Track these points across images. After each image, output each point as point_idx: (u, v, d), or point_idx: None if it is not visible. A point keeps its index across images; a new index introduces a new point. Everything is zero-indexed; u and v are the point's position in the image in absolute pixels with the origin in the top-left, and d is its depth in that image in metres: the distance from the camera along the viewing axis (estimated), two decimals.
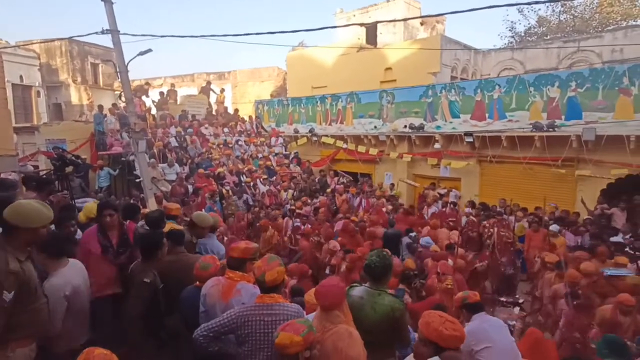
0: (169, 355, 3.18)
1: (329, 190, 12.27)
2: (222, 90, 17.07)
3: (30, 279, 2.18)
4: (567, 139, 9.24)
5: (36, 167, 10.90)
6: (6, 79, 8.04)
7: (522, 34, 24.05)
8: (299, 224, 8.85)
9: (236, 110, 16.45)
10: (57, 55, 19.55)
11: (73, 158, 5.60)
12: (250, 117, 16.55)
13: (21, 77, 17.37)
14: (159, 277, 3.14)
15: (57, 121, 15.51)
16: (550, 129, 9.49)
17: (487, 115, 10.79)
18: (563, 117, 9.45)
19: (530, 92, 9.92)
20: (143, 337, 2.89)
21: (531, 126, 9.80)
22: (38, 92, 18.51)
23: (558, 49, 14.47)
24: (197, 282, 2.94)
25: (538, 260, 6.37)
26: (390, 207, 10.12)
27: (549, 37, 20.80)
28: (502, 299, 6.97)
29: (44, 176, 5.18)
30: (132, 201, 8.71)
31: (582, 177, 9.30)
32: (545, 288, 5.45)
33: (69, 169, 5.74)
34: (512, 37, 24.51)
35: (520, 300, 6.84)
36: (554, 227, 7.18)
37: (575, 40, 14.55)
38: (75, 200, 5.43)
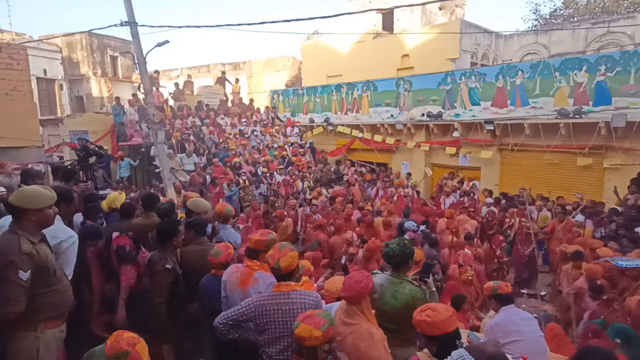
0: (190, 340, 3.25)
1: (345, 180, 12.23)
2: (237, 81, 17.09)
3: (47, 261, 2.26)
4: (594, 126, 8.88)
5: (61, 157, 11.23)
6: (31, 73, 8.25)
7: (547, 17, 23.13)
8: (310, 213, 8.88)
9: (251, 101, 16.46)
10: (78, 49, 19.96)
11: (96, 149, 5.73)
12: (266, 107, 16.55)
13: (45, 70, 17.81)
14: (182, 265, 3.21)
15: (79, 113, 15.89)
16: (577, 116, 9.14)
17: (509, 102, 10.46)
18: (591, 103, 9.08)
19: (556, 77, 9.55)
20: (167, 323, 2.95)
21: (556, 113, 9.47)
22: (61, 85, 18.97)
23: (586, 30, 13.85)
24: (213, 270, 3.00)
25: (558, 252, 6.21)
26: (410, 192, 10.07)
27: (576, 19, 19.93)
28: (523, 290, 6.86)
29: (69, 167, 5.31)
30: (152, 191, 8.87)
31: (611, 166, 8.95)
32: (563, 280, 5.31)
33: (93, 159, 5.89)
34: (537, 19, 23.62)
35: (542, 293, 6.72)
36: (579, 218, 6.97)
37: (605, 21, 13.90)
38: (99, 190, 5.58)
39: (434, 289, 2.77)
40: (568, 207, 7.94)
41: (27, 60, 7.30)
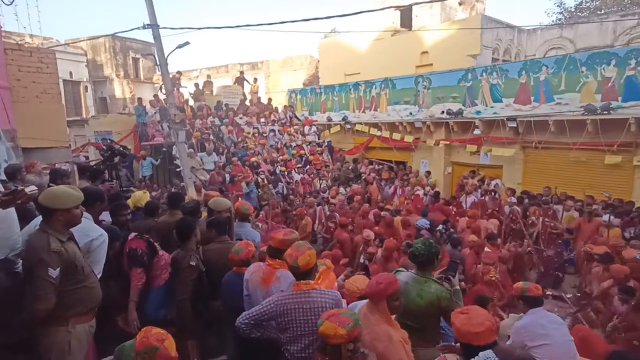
0: (214, 336, 3.31)
1: (362, 178, 12.19)
2: (256, 80, 17.23)
3: (75, 258, 2.34)
4: (624, 123, 8.55)
5: (87, 157, 11.59)
6: (58, 76, 8.54)
7: (573, 10, 22.36)
8: (328, 212, 8.88)
9: (269, 100, 16.57)
10: (101, 52, 20.54)
11: (121, 148, 5.88)
12: (284, 106, 16.63)
13: (71, 73, 18.41)
14: (204, 263, 3.26)
15: (103, 114, 16.37)
16: (605, 112, 8.82)
17: (532, 98, 10.18)
18: (620, 98, 8.74)
19: (582, 72, 9.23)
20: (191, 319, 3.01)
21: (582, 109, 9.16)
22: (86, 87, 19.57)
23: (614, 23, 13.31)
24: (234, 268, 3.03)
25: (582, 252, 6.01)
26: (429, 189, 9.95)
27: (603, 11, 19.22)
28: (548, 292, 6.67)
29: (96, 166, 5.48)
30: (173, 190, 9.05)
31: None
32: (594, 283, 5.14)
33: (117, 159, 6.05)
34: (561, 13, 22.86)
35: (568, 295, 6.52)
36: (607, 217, 6.73)
37: (634, 13, 13.34)
38: (123, 189, 5.72)
39: (458, 287, 2.74)
40: (595, 207, 7.68)
41: (55, 63, 7.55)
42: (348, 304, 2.88)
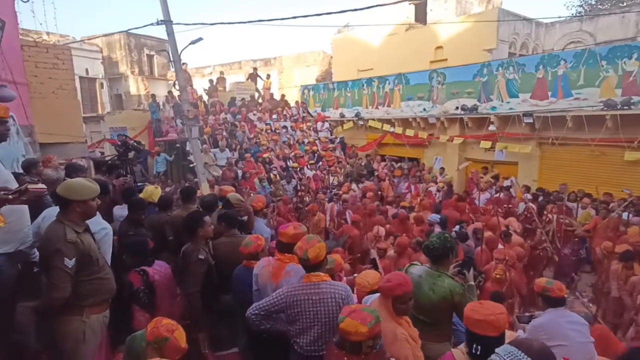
0: (224, 329, 3.34)
1: (375, 175, 12.12)
2: (268, 77, 17.27)
3: (90, 250, 2.39)
4: None
5: (102, 153, 11.82)
6: (74, 72, 8.70)
7: (593, 2, 21.72)
8: (341, 209, 8.84)
9: (282, 96, 16.59)
10: (116, 49, 20.85)
11: (135, 144, 5.96)
12: (296, 102, 16.63)
13: (87, 70, 18.74)
14: (214, 257, 3.29)
15: (118, 110, 16.64)
16: (626, 107, 8.56)
17: (549, 93, 9.94)
18: None
19: (602, 66, 8.96)
20: (202, 311, 3.04)
21: (602, 104, 8.91)
22: (101, 84, 19.91)
23: (637, 15, 12.88)
24: (244, 262, 3.04)
25: (599, 251, 5.86)
26: (442, 185, 9.84)
27: (625, 3, 18.60)
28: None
29: (111, 161, 5.58)
30: (187, 184, 9.14)
31: None
32: (612, 281, 5.01)
33: (132, 154, 6.13)
34: (581, 5, 22.22)
35: (584, 294, 6.38)
36: (626, 215, 6.55)
37: None
38: (137, 184, 5.81)
39: (472, 283, 2.69)
40: (613, 204, 7.48)
41: (71, 60, 7.70)
42: (359, 298, 2.87)
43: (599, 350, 3.01)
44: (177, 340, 1.66)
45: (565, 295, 2.98)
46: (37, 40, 9.26)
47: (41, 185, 2.46)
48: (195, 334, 3.08)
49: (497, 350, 1.44)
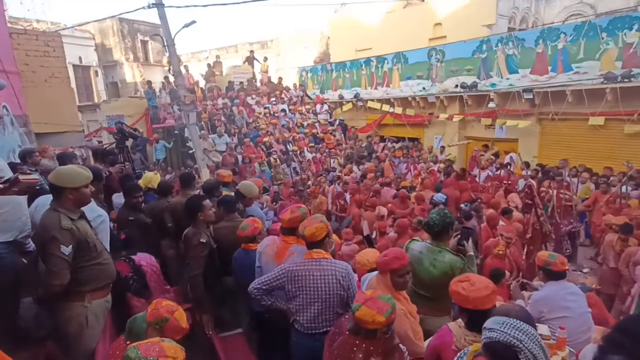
0: (227, 311, 3.39)
1: (375, 156, 12.08)
2: (266, 59, 17.02)
3: (87, 236, 2.39)
4: None
5: (100, 142, 11.77)
6: (67, 60, 8.58)
7: None
8: (340, 190, 8.87)
9: (280, 79, 16.40)
10: (110, 35, 20.46)
11: (131, 130, 5.92)
12: (294, 84, 16.45)
13: (80, 58, 18.45)
14: (215, 241, 3.31)
15: (114, 98, 16.46)
16: (626, 80, 8.44)
17: (549, 68, 9.79)
18: None
19: (603, 38, 8.79)
20: (204, 294, 3.08)
21: (602, 77, 8.78)
22: (96, 72, 19.65)
23: None
24: (242, 244, 3.08)
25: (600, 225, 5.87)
26: (442, 166, 9.82)
27: None
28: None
29: (107, 148, 5.55)
30: (186, 170, 9.14)
31: None
32: (609, 253, 5.02)
33: (129, 142, 6.11)
34: None
35: (585, 270, 6.44)
36: (625, 189, 6.54)
37: None
38: (136, 172, 5.81)
39: (472, 253, 2.71)
40: (612, 178, 7.47)
41: (62, 47, 7.57)
42: (359, 276, 2.89)
43: (595, 319, 3.06)
44: (178, 321, 1.68)
45: (566, 269, 3.00)
46: (26, 28, 9.10)
47: (33, 176, 2.44)
48: (199, 316, 3.14)
49: (488, 325, 1.41)
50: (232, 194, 4.20)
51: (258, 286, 2.49)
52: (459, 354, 1.68)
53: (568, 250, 6.41)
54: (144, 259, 3.14)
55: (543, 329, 2.47)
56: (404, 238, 5.30)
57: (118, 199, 4.29)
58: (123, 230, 3.66)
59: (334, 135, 13.94)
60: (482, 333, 1.64)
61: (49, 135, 7.00)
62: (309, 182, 9.87)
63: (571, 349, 2.42)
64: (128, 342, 1.69)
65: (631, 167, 7.76)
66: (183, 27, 9.20)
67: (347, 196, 8.34)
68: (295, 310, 2.45)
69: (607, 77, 8.69)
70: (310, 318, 2.41)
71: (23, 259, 2.70)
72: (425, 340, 2.32)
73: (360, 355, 1.81)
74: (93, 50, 19.63)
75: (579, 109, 9.28)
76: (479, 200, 6.91)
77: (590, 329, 2.80)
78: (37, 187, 2.91)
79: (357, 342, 1.84)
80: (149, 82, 14.04)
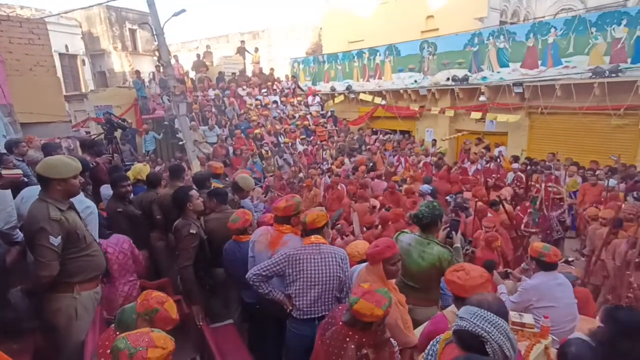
0: (218, 302, 3.40)
1: (366, 148, 12.11)
2: (257, 50, 16.83)
3: (76, 227, 2.37)
4: (632, 85, 8.30)
5: (88, 132, 11.56)
6: (53, 49, 8.35)
7: None
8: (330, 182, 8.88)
9: (271, 70, 16.26)
10: (97, 23, 20.00)
11: (120, 121, 5.83)
12: (286, 76, 16.33)
13: (66, 46, 18.02)
14: (206, 232, 3.30)
15: (102, 88, 16.15)
16: (613, 75, 8.56)
17: (539, 62, 9.88)
18: (629, 60, 8.45)
19: (592, 33, 8.88)
20: (195, 285, 3.08)
21: (590, 72, 8.89)
22: (83, 61, 19.23)
23: None
24: (233, 236, 3.08)
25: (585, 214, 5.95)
26: (434, 159, 9.89)
27: None
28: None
29: (94, 139, 5.47)
30: (176, 162, 9.05)
31: None
32: (596, 244, 5.11)
33: (118, 133, 6.02)
34: None
35: (570, 259, 6.57)
36: (612, 182, 6.67)
37: None
38: (125, 164, 5.73)
39: (459, 245, 2.78)
40: (599, 172, 7.61)
41: (47, 34, 7.37)
42: None
43: (581, 310, 3.15)
44: (167, 312, 1.68)
45: (559, 260, 3.07)
46: (9, 14, 8.84)
47: (16, 171, 2.40)
48: (189, 308, 3.14)
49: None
50: (222, 186, 4.19)
51: (258, 272, 2.48)
52: (432, 341, 1.72)
53: (560, 233, 6.54)
54: (112, 245, 3.10)
55: (528, 317, 2.54)
56: (388, 230, 5.35)
57: (106, 190, 4.24)
58: (106, 221, 3.61)
59: (326, 127, 13.91)
60: None
61: (35, 125, 6.85)
62: (300, 175, 9.87)
63: (555, 338, 2.48)
64: (118, 333, 1.69)
65: (617, 160, 7.91)
66: (173, 16, 9.04)
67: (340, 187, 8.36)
68: (295, 295, 2.47)
69: (595, 72, 8.80)
70: (309, 302, 2.44)
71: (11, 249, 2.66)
72: (414, 329, 2.37)
73: (353, 346, 1.84)
74: (80, 39, 19.18)
75: (567, 103, 9.40)
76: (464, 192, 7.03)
77: (575, 319, 2.89)
78: (26, 180, 2.87)
79: (351, 333, 1.87)
80: (138, 72, 13.80)
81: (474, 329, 1.37)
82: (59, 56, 16.40)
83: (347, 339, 1.86)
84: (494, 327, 1.36)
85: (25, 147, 4.41)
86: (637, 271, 3.89)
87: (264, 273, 2.48)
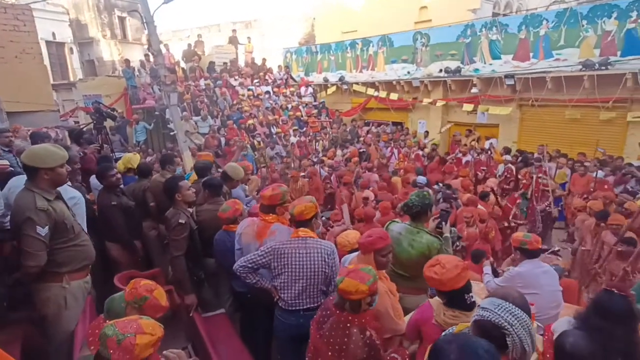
0: (209, 292, 3.41)
1: (360, 140, 12.10)
2: (249, 40, 16.62)
3: (64, 217, 2.35)
4: (621, 78, 8.40)
5: (77, 122, 11.37)
6: (40, 36, 8.14)
7: None
8: (326, 173, 8.89)
9: (264, 60, 16.08)
10: (85, 10, 19.51)
11: (109, 110, 5.74)
12: (279, 66, 16.17)
13: (53, 34, 17.56)
14: (197, 223, 3.29)
15: (91, 77, 15.84)
16: (603, 67, 8.63)
17: (531, 54, 9.93)
18: (619, 53, 8.53)
19: (583, 26, 8.93)
20: (186, 275, 3.08)
21: (581, 65, 8.96)
22: (71, 49, 18.79)
23: None
24: (224, 226, 3.08)
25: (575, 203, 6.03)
26: (427, 151, 9.93)
27: None
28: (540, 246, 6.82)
29: (80, 129, 5.38)
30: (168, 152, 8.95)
31: (634, 119, 8.51)
32: (586, 234, 5.20)
33: (107, 122, 5.92)
34: None
35: (557, 248, 6.69)
36: (600, 174, 6.78)
37: None
38: (115, 154, 5.67)
39: (448, 235, 2.81)
40: (587, 163, 7.73)
41: (33, 21, 7.18)
42: (340, 257, 2.94)
43: (567, 298, 3.22)
44: (157, 299, 1.68)
45: (541, 247, 3.13)
46: None
47: (3, 162, 2.36)
48: (181, 297, 3.14)
49: (482, 304, 1.47)
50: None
51: (244, 264, 2.51)
52: (443, 334, 1.70)
53: (539, 229, 6.66)
54: None
55: None
56: (371, 224, 5.34)
57: (96, 180, 4.20)
58: (100, 216, 3.58)
59: (319, 119, 13.85)
60: (465, 310, 1.77)
61: (21, 114, 6.71)
62: (292, 166, 9.85)
63: (539, 324, 2.54)
64: (107, 321, 1.69)
65: (603, 153, 8.02)
66: (163, 4, 8.83)
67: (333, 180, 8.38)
68: (280, 288, 2.49)
69: (585, 65, 8.87)
70: (294, 295, 2.46)
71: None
72: (404, 317, 2.40)
73: (355, 330, 1.85)
74: (67, 26, 18.70)
75: (558, 96, 9.48)
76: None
77: (559, 306, 2.96)
78: (11, 169, 2.83)
79: (350, 318, 1.88)
80: (127, 61, 13.55)
81: (497, 320, 1.38)
82: (46, 44, 16.00)
83: (348, 324, 1.87)
84: (518, 321, 1.37)
85: (8, 138, 4.32)
86: (618, 260, 3.97)
87: (249, 265, 2.50)
